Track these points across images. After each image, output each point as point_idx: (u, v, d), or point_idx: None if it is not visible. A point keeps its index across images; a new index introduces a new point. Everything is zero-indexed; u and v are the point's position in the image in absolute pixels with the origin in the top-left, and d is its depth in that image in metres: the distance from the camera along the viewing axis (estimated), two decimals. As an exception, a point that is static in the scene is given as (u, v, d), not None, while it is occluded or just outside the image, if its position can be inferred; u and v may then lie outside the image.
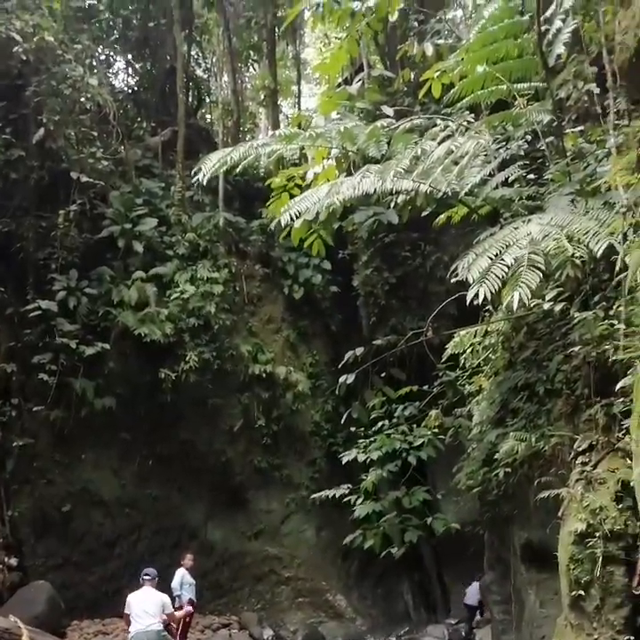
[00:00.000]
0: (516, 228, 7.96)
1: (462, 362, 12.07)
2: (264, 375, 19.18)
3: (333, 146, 9.53)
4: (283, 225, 9.60)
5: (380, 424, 14.92)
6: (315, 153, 9.96)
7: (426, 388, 13.94)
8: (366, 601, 19.99)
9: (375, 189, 8.63)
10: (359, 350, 11.58)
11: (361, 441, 14.89)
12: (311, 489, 18.24)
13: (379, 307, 19.61)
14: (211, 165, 9.49)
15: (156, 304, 17.28)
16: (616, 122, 8.78)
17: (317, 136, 9.24)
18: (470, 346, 11.72)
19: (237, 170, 9.97)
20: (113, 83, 22.32)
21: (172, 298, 17.69)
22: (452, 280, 8.15)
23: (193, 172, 10.35)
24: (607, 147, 8.38)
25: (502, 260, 7.35)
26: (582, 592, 6.68)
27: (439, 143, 8.55)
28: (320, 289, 20.67)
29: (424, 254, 19.03)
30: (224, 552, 19.17)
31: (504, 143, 10.66)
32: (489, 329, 11.26)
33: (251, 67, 27.32)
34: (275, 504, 19.77)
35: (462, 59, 10.52)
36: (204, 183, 10.20)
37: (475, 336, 11.64)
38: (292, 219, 9.35)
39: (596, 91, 10.62)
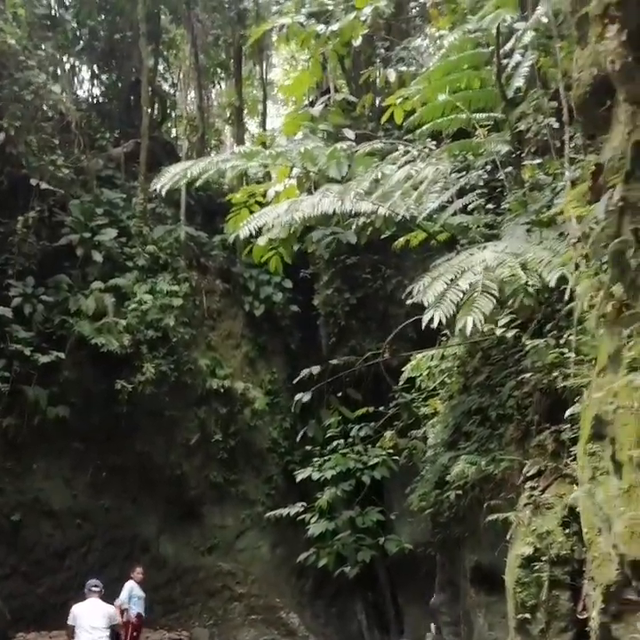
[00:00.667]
0: (471, 254, 8.11)
1: (418, 384, 12.19)
2: (222, 390, 19.08)
3: (294, 165, 9.60)
4: (243, 241, 9.66)
5: (335, 443, 14.98)
6: (277, 172, 10.02)
7: (382, 409, 14.03)
8: (320, 619, 19.90)
9: (335, 210, 8.72)
10: (315, 368, 11.68)
11: (316, 459, 14.92)
12: (267, 505, 18.18)
13: (339, 327, 19.66)
14: (170, 177, 9.51)
15: (114, 315, 17.10)
16: (573, 156, 9.01)
17: (278, 155, 9.32)
18: (427, 369, 11.84)
19: (198, 183, 10.01)
20: (77, 92, 22.16)
21: (130, 309, 17.53)
22: (408, 302, 8.25)
23: (152, 183, 10.35)
24: (564, 180, 8.58)
25: (457, 284, 7.48)
26: (528, 615, 6.75)
27: (399, 167, 8.67)
28: (281, 307, 20.69)
29: (384, 277, 19.14)
30: (177, 566, 18.96)
31: (464, 172, 10.87)
32: (445, 353, 11.40)
33: (217, 84, 27.37)
34: (230, 519, 19.63)
35: (423, 86, 10.72)
36: (163, 194, 10.21)
37: (431, 359, 11.76)
38: (252, 235, 9.40)
39: (555, 125, 10.91)
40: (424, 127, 10.38)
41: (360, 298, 19.36)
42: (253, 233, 9.23)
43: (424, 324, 7.65)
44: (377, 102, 16.74)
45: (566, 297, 7.04)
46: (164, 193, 10.01)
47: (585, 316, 6.34)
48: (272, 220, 8.75)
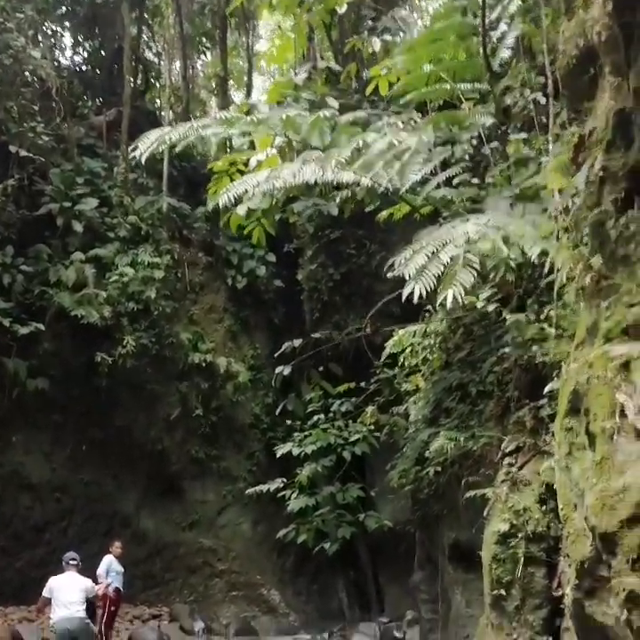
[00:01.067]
0: (453, 227, 7.96)
1: (401, 360, 12.10)
2: (204, 364, 18.90)
3: (276, 133, 9.38)
4: (222, 210, 9.48)
5: (315, 418, 14.90)
6: (259, 140, 9.81)
7: (363, 384, 13.96)
8: (301, 597, 19.93)
9: (316, 180, 8.54)
10: (297, 342, 11.53)
11: (296, 434, 14.83)
12: (249, 482, 18.07)
13: (322, 302, 19.53)
14: (150, 143, 9.27)
15: (95, 286, 16.82)
16: (558, 132, 8.86)
17: (260, 122, 9.09)
18: (409, 345, 11.74)
19: (178, 149, 9.79)
20: (59, 59, 21.64)
21: (111, 280, 17.27)
22: (389, 275, 8.10)
23: (130, 149, 10.11)
24: (550, 154, 8.43)
25: (439, 257, 7.34)
26: (503, 592, 6.73)
27: (382, 136, 8.48)
28: (264, 281, 20.49)
29: (369, 252, 19.00)
30: (157, 541, 18.88)
31: (448, 145, 10.69)
32: (428, 329, 11.30)
33: (202, 54, 26.92)
34: (211, 495, 19.54)
35: (407, 56, 10.49)
36: (143, 161, 9.97)
37: (414, 336, 11.66)
38: (232, 204, 9.20)
39: (542, 100, 10.74)
40: (408, 96, 10.13)
41: (344, 273, 19.24)
42: (233, 201, 9.02)
43: (404, 297, 7.51)
44: (363, 75, 16.48)
45: (547, 271, 6.93)
46: (143, 159, 9.76)
47: (565, 290, 6.23)
48: (252, 188, 8.54)
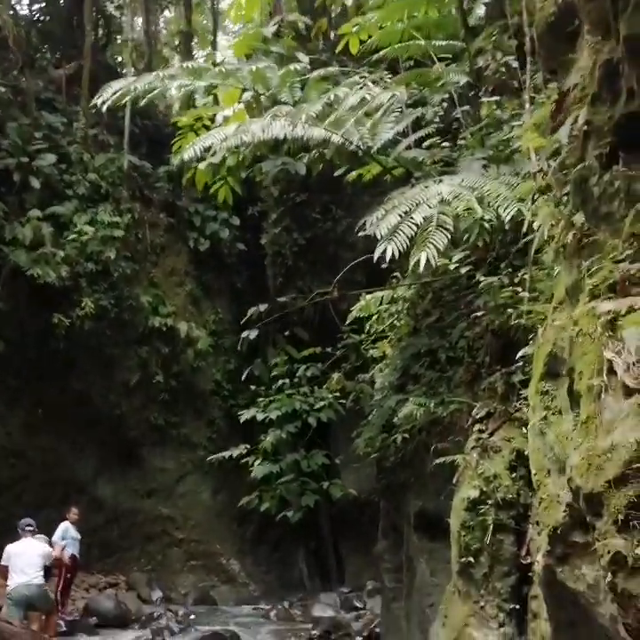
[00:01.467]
0: (426, 187, 7.71)
1: (367, 327, 11.90)
2: (164, 329, 18.57)
3: (244, 86, 9.01)
4: (185, 168, 9.12)
5: (280, 382, 14.67)
6: (225, 95, 9.43)
7: (329, 349, 13.73)
8: (261, 567, 19.89)
9: (286, 136, 8.21)
10: (262, 306, 11.26)
11: (260, 400, 14.61)
12: (209, 449, 17.86)
13: (286, 267, 19.29)
14: (112, 92, 8.83)
15: (52, 245, 16.34)
16: (531, 95, 8.65)
17: (228, 73, 8.70)
18: (376, 313, 11.55)
19: (143, 102, 9.35)
20: (15, 8, 20.74)
21: (69, 239, 16.79)
22: (360, 234, 7.84)
23: (94, 98, 9.65)
24: (524, 116, 8.21)
25: (411, 218, 7.10)
26: (471, 559, 6.63)
27: (354, 91, 8.17)
28: (227, 244, 20.15)
29: (335, 218, 18.77)
30: (115, 509, 18.64)
31: (419, 107, 10.42)
32: (395, 296, 11.11)
33: (166, 9, 26.18)
34: (170, 463, 19.34)
35: (380, 12, 10.15)
36: (104, 110, 9.53)
37: (381, 303, 11.47)
38: (197, 159, 8.85)
39: (514, 64, 10.52)
40: (380, 53, 9.79)
41: (309, 239, 19.00)
42: (199, 156, 8.67)
43: (376, 258, 7.27)
44: (330, 35, 16.12)
45: (524, 233, 6.75)
46: (105, 109, 9.33)
47: (543, 251, 6.05)
48: (219, 143, 8.18)
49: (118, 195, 18.34)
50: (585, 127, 4.86)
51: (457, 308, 8.97)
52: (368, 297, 11.67)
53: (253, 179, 13.48)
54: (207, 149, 8.97)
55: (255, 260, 20.05)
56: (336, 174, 11.65)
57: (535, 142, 6.15)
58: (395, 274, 11.20)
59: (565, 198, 5.28)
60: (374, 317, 11.60)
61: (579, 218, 4.65)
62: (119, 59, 24.20)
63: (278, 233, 19.10)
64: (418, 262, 6.91)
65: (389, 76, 10.79)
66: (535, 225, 6.49)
